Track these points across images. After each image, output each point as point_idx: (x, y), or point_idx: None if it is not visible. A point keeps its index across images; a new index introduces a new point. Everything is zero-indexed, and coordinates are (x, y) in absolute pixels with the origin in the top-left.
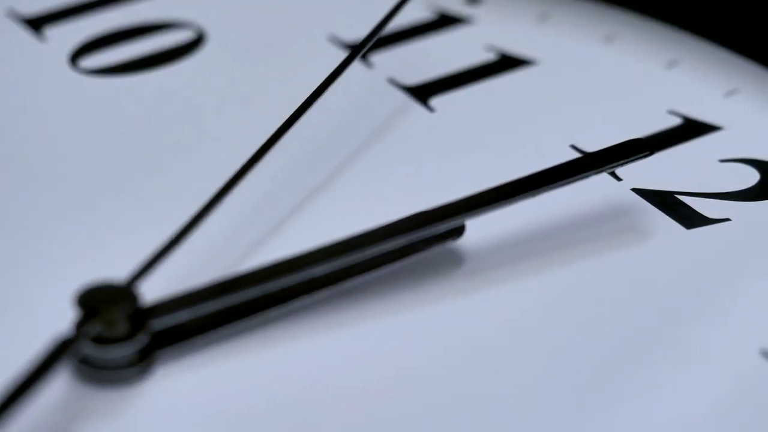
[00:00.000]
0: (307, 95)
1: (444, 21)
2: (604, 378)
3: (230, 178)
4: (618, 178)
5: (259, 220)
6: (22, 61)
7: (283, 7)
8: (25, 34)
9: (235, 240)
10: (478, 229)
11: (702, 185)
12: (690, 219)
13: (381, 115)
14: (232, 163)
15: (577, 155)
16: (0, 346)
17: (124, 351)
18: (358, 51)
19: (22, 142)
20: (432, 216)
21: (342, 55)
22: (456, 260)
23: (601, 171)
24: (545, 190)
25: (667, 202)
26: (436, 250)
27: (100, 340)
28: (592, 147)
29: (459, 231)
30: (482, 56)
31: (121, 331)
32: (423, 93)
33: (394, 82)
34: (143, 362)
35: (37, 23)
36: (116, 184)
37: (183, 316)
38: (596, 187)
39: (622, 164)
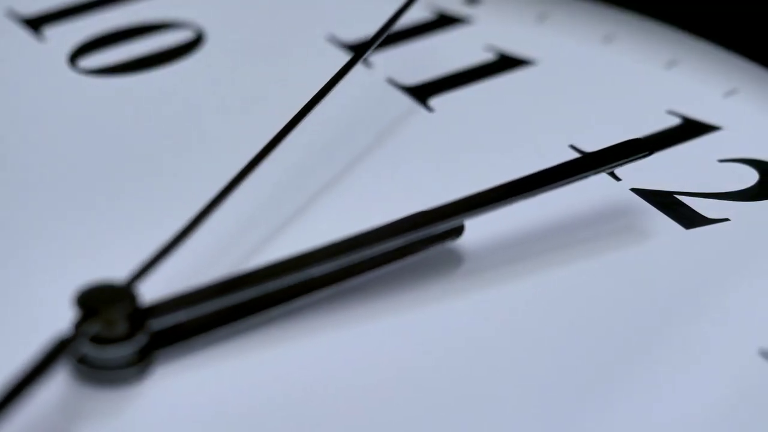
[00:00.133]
0: (307, 95)
1: (443, 21)
2: (604, 378)
3: (231, 180)
4: (617, 178)
5: (258, 221)
6: (22, 61)
7: (282, 7)
8: (24, 34)
9: (235, 241)
10: (478, 229)
11: (701, 185)
12: (689, 219)
13: (380, 115)
14: (231, 163)
15: (576, 155)
16: None
17: (123, 351)
18: (362, 53)
19: (21, 142)
20: (431, 216)
21: (341, 55)
22: (455, 260)
23: (601, 171)
24: (544, 190)
25: (666, 202)
26: (436, 250)
27: (100, 340)
28: (591, 147)
29: (458, 231)
30: (481, 56)
31: (120, 331)
32: (422, 93)
33: (393, 82)
34: (142, 362)
35: (36, 23)
36: (116, 184)
37: (182, 316)
38: (595, 187)
39: (621, 164)
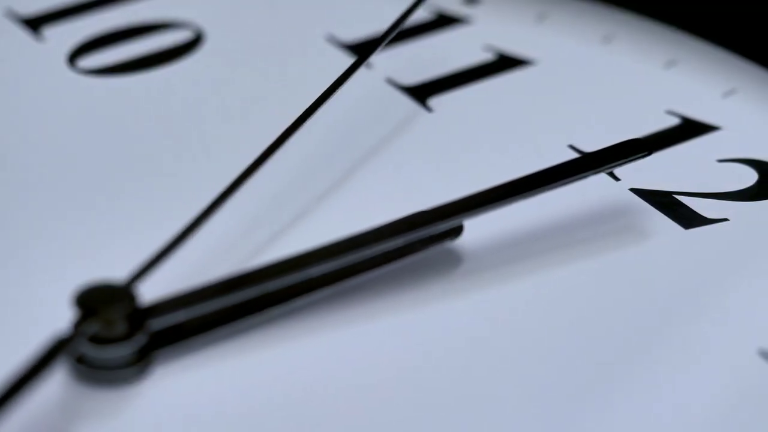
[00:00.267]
0: (306, 95)
1: (442, 21)
2: (604, 378)
3: (232, 181)
4: (616, 178)
5: (258, 221)
6: (21, 61)
7: (282, 7)
8: (23, 34)
9: (235, 242)
10: (477, 229)
11: (700, 185)
12: (688, 219)
13: (379, 115)
14: (230, 163)
15: (575, 155)
16: None
17: (123, 351)
18: (367, 55)
19: (20, 142)
20: (430, 216)
21: (341, 55)
22: (454, 260)
23: (600, 171)
24: (543, 190)
25: (665, 202)
26: (435, 250)
27: (99, 340)
28: (590, 147)
29: (457, 231)
30: (480, 56)
31: (119, 331)
32: (421, 93)
33: (392, 82)
34: (141, 362)
35: (35, 23)
36: (115, 184)
37: (181, 316)
38: (595, 187)
39: (620, 164)
